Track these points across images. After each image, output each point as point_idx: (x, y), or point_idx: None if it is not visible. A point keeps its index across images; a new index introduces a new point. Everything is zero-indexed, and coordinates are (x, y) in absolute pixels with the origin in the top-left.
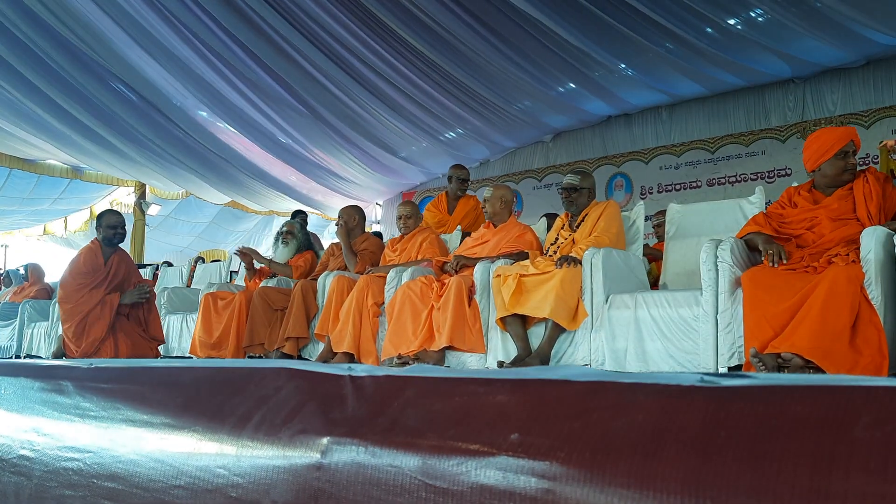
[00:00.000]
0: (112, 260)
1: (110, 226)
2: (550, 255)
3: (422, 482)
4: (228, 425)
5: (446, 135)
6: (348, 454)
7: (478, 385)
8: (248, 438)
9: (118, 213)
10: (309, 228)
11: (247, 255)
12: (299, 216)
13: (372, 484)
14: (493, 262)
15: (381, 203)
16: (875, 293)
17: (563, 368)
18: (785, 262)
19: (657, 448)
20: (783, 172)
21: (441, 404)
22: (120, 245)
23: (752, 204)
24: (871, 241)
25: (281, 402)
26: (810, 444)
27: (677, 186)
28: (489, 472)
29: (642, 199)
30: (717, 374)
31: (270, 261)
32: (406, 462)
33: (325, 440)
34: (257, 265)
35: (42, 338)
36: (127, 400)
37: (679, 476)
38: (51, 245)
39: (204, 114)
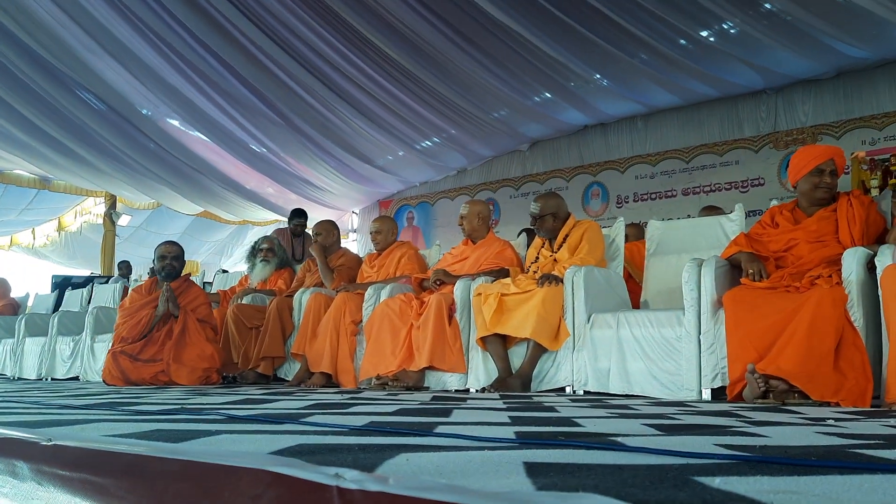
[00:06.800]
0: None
1: (157, 256)
2: (532, 273)
3: None
4: None
5: (423, 143)
6: None
7: None
8: None
9: (171, 243)
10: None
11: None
12: (296, 219)
13: None
14: (473, 280)
15: (357, 212)
16: (857, 315)
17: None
18: (766, 278)
19: None
20: (756, 182)
21: None
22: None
23: (732, 221)
24: (853, 262)
25: None
26: None
27: (653, 195)
28: None
29: (618, 207)
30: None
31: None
32: None
33: None
34: None
35: (8, 355)
36: (87, 493)
37: None
38: (20, 256)
39: (175, 123)
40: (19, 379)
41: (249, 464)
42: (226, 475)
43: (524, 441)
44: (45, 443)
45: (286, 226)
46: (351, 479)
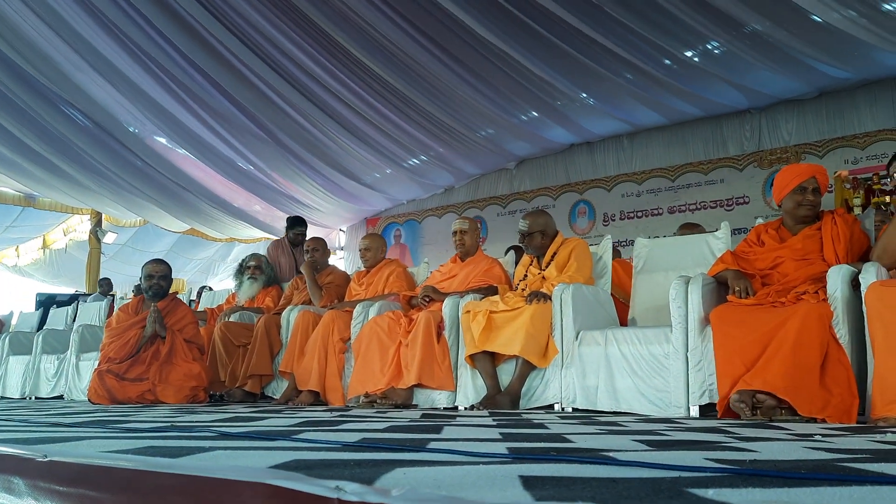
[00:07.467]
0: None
1: (145, 276)
2: (520, 291)
3: None
4: None
5: (410, 161)
6: None
7: None
8: None
9: (158, 261)
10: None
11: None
12: (297, 227)
13: None
14: (461, 297)
15: (344, 229)
16: (842, 332)
17: None
18: (752, 295)
19: None
20: (742, 200)
21: None
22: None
23: (719, 239)
24: (838, 279)
25: None
26: None
27: (639, 214)
28: None
29: (605, 225)
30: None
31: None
32: None
33: None
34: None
35: None
36: None
37: None
38: (4, 274)
39: (163, 140)
40: (2, 398)
41: (249, 477)
42: (225, 489)
43: (517, 456)
44: (40, 459)
45: (276, 237)
46: (351, 491)
